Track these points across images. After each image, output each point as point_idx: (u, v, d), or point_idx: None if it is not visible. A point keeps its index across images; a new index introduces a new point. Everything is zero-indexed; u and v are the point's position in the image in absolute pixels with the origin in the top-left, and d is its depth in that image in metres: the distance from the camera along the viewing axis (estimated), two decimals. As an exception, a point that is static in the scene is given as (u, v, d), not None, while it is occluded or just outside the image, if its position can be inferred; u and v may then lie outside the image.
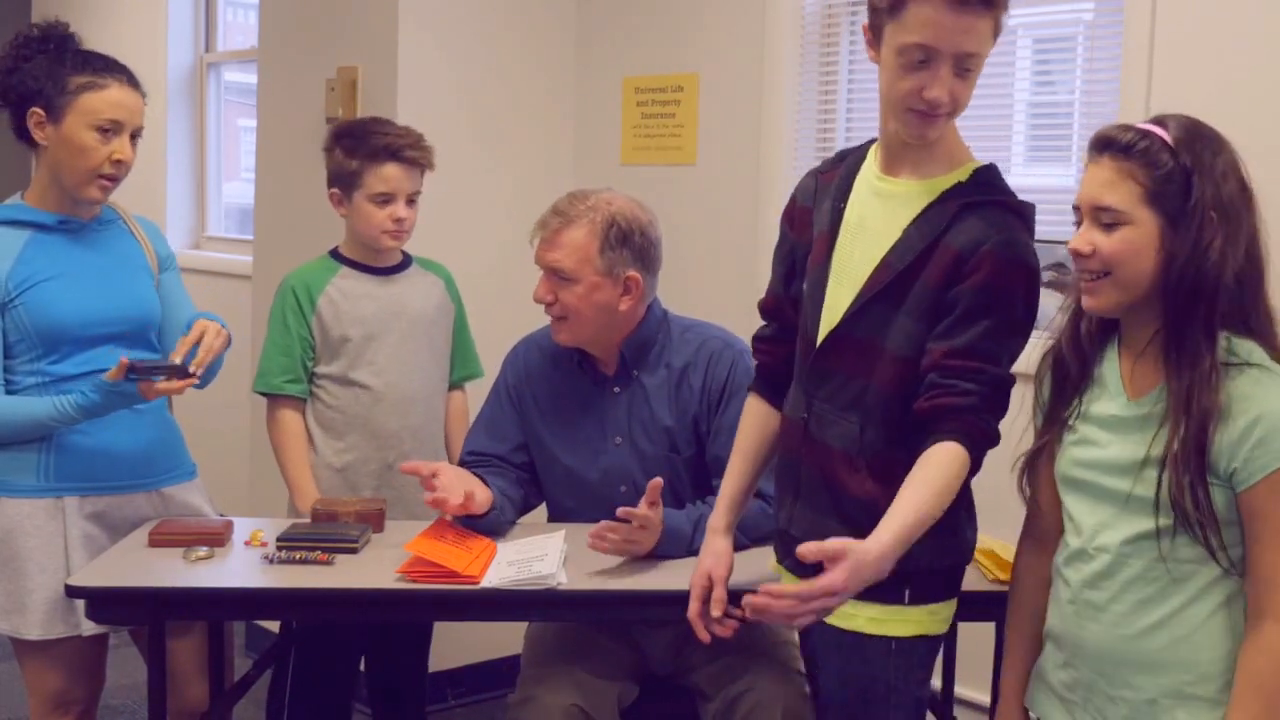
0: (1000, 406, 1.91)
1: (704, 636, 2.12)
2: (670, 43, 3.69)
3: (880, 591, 1.88)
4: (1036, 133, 3.16)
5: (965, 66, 1.89)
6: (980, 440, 1.89)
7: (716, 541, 2.16)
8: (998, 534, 2.33)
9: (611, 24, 3.83)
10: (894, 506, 1.84)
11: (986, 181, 1.97)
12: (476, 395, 2.93)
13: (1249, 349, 1.75)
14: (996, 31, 1.89)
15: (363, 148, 2.85)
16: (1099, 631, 1.83)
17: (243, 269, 4.45)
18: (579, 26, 3.90)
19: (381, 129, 2.88)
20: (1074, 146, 3.06)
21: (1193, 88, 2.58)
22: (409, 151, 2.84)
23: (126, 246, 2.57)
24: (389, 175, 2.83)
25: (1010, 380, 1.92)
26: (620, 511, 2.28)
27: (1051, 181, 3.18)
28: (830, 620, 1.93)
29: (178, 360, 2.37)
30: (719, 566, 2.13)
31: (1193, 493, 1.71)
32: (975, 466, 1.90)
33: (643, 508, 2.29)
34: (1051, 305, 2.91)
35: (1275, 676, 1.70)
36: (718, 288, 3.54)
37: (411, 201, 2.88)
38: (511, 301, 3.18)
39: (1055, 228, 2.96)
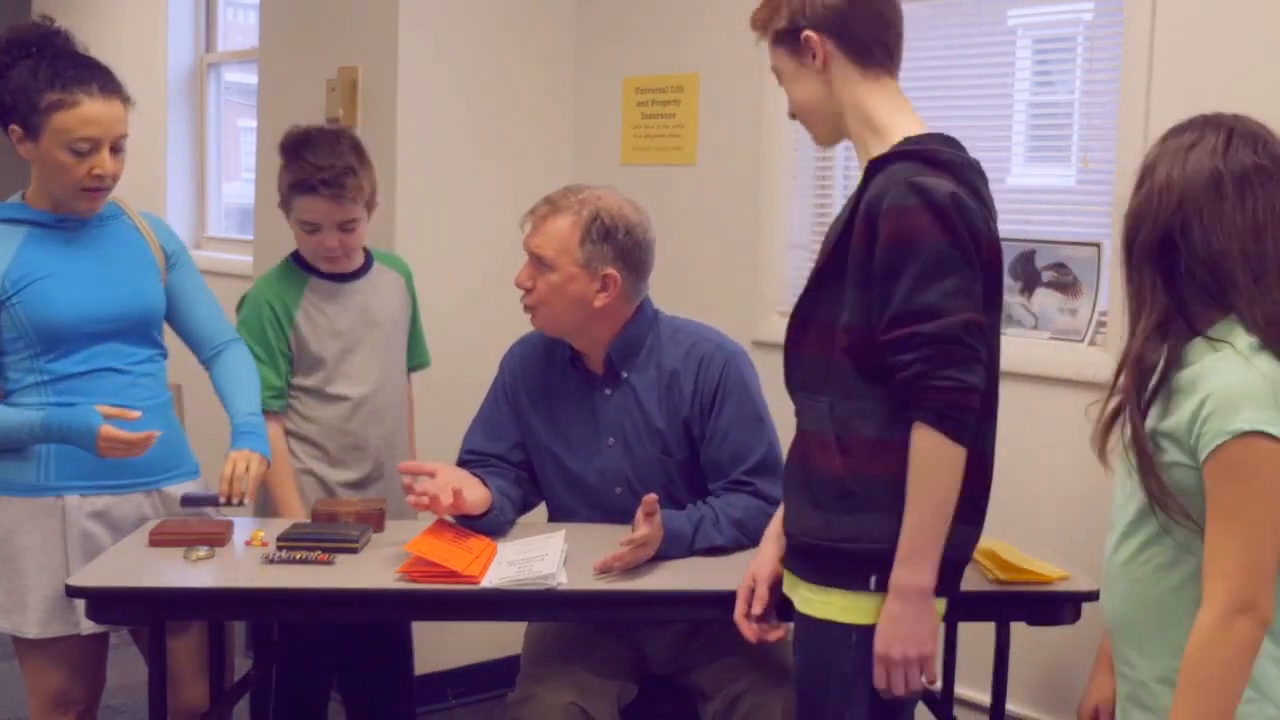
0: (953, 353, 1.83)
1: (751, 636, 2.15)
2: (670, 43, 3.69)
3: (847, 578, 1.92)
4: (1036, 133, 3.15)
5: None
6: (940, 403, 1.83)
7: (765, 546, 2.19)
8: (998, 534, 2.33)
9: (611, 24, 3.83)
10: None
11: (907, 145, 1.94)
12: (426, 385, 2.89)
13: (1233, 332, 1.74)
14: None
15: (289, 172, 2.75)
16: (1110, 605, 1.87)
17: (243, 269, 4.44)
18: (579, 26, 3.90)
19: (309, 154, 2.72)
20: (1074, 146, 3.05)
21: (1193, 88, 2.57)
22: (324, 189, 2.71)
23: (129, 241, 2.56)
24: (308, 207, 2.75)
25: (956, 318, 1.83)
26: (622, 540, 2.30)
27: (1051, 181, 3.18)
28: (803, 609, 1.99)
29: (222, 500, 2.50)
30: (762, 567, 2.16)
31: (1151, 468, 1.74)
32: (954, 426, 1.84)
33: (640, 524, 2.30)
34: (1052, 305, 2.92)
35: (1202, 666, 1.68)
36: (718, 288, 3.54)
37: (347, 228, 2.77)
38: (510, 302, 3.14)
39: (1056, 228, 2.96)
